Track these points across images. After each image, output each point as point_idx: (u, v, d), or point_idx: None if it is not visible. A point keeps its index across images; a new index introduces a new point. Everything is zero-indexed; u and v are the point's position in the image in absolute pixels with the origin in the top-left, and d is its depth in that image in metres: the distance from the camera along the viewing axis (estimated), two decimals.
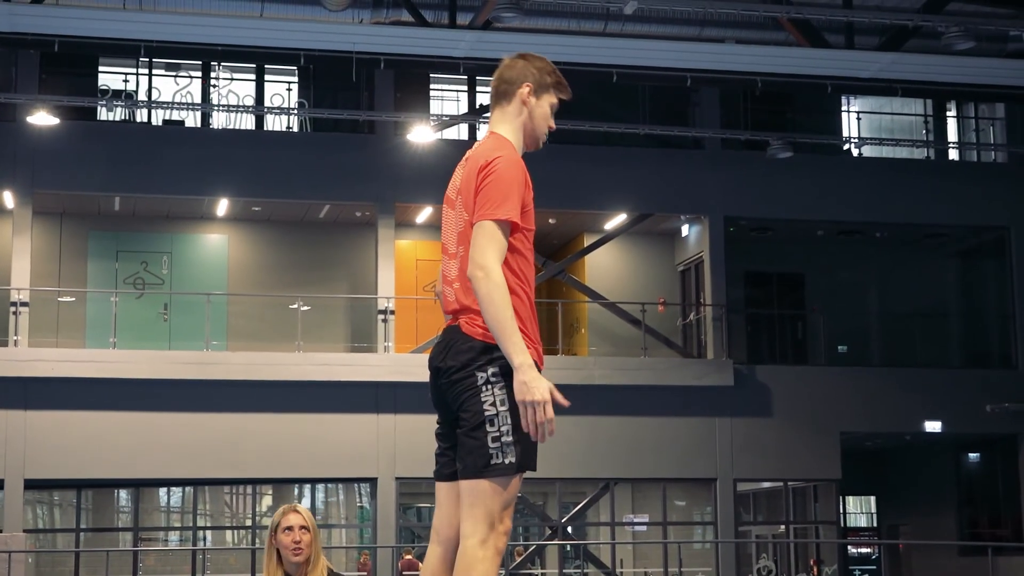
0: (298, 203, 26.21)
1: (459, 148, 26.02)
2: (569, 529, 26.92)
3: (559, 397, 4.36)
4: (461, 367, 4.58)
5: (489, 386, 4.53)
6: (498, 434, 4.47)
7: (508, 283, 4.52)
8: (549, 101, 4.85)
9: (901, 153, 29.27)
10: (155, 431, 23.82)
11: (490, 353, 4.53)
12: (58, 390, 23.47)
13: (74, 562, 24.97)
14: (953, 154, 30.45)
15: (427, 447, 20.41)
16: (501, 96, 4.84)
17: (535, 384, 4.33)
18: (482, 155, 4.69)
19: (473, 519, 4.46)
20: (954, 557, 27.46)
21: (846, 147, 29.13)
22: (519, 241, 4.69)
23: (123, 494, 26.79)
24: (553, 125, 4.92)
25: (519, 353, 4.39)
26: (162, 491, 27.03)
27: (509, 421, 4.47)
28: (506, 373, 4.50)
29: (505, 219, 4.55)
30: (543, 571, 27.62)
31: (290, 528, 5.90)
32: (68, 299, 26.10)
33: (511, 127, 4.83)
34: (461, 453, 4.55)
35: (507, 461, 4.47)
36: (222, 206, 26.28)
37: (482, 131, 27.60)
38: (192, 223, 27.15)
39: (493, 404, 4.51)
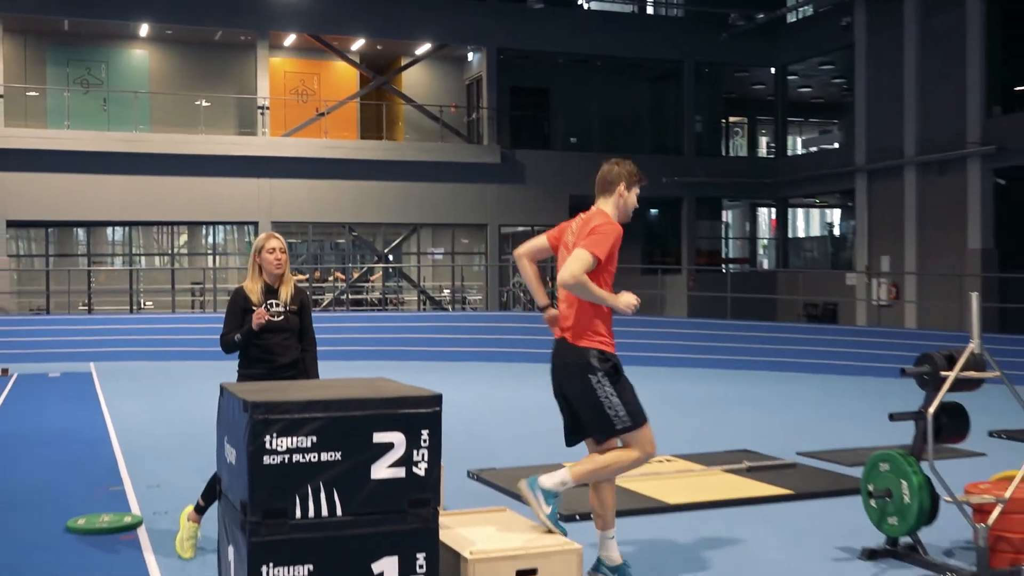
0: (199, 28, 24.99)
1: None
2: (390, 257, 27.23)
3: (634, 299, 4.96)
4: (576, 372, 4.99)
5: (600, 384, 4.95)
6: (614, 413, 4.96)
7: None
8: (635, 192, 5.26)
9: (615, 7, 29.25)
10: (101, 188, 23.27)
11: (591, 360, 4.97)
12: (28, 158, 22.66)
13: (45, 279, 24.40)
14: (650, 10, 30.54)
15: (293, 201, 20.60)
16: (605, 188, 5.23)
17: (624, 298, 4.92)
18: (595, 218, 5.10)
19: (630, 448, 5.08)
20: (638, 275, 28.62)
21: (579, 1, 29.05)
22: (603, 275, 5.01)
23: (79, 232, 26.07)
24: (637, 205, 5.31)
25: (611, 299, 4.94)
26: (108, 230, 26.36)
27: (619, 402, 4.95)
28: (606, 372, 4.95)
29: (596, 256, 4.92)
30: (373, 284, 27.95)
31: (273, 249, 5.72)
32: (33, 94, 24.82)
33: (611, 208, 5.19)
34: (593, 429, 5.07)
35: (628, 423, 4.97)
36: (144, 29, 24.95)
37: None
38: (123, 41, 25.72)
39: (607, 396, 4.95)
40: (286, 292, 5.78)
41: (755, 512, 7.01)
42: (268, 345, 5.67)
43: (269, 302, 5.73)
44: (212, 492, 5.63)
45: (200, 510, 5.85)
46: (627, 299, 4.91)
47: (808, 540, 6.24)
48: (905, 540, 5.75)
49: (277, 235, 5.89)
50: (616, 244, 5.01)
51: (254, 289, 5.75)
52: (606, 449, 5.11)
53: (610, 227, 5.00)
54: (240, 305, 5.74)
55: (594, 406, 4.95)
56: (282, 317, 5.72)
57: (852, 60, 25.78)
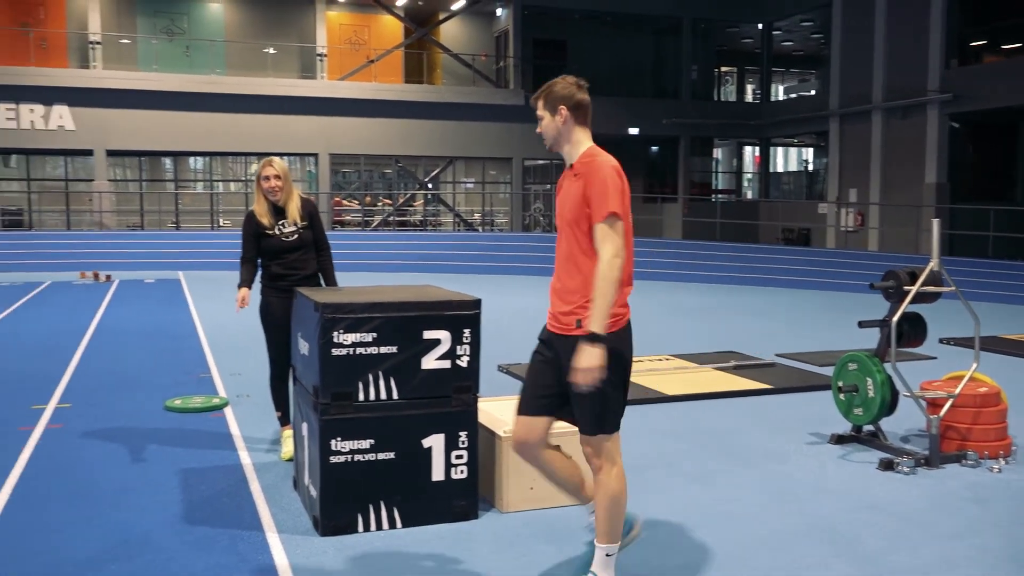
0: None
1: None
2: (430, 185, 27.07)
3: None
4: None
5: None
6: None
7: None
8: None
9: None
10: (185, 122, 23.14)
11: None
12: (123, 96, 22.54)
13: (139, 201, 24.44)
14: None
15: (347, 136, 20.44)
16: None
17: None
18: None
19: None
20: (640, 203, 28.45)
21: None
22: None
23: (167, 161, 26.01)
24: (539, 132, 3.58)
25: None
26: (191, 159, 26.28)
27: None
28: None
29: None
30: (414, 207, 27.84)
31: (268, 178, 5.14)
32: (126, 41, 24.54)
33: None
34: None
35: None
36: None
37: None
38: None
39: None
40: (293, 210, 5.17)
41: (741, 403, 7.02)
42: (288, 262, 5.16)
43: (280, 223, 5.15)
44: (280, 400, 5.35)
45: (285, 419, 5.37)
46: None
47: (785, 427, 6.25)
48: (868, 428, 5.76)
49: (275, 161, 5.21)
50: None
51: (262, 212, 5.17)
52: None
53: None
54: (252, 230, 5.17)
55: None
56: (296, 236, 5.15)
57: (829, 17, 25.10)
